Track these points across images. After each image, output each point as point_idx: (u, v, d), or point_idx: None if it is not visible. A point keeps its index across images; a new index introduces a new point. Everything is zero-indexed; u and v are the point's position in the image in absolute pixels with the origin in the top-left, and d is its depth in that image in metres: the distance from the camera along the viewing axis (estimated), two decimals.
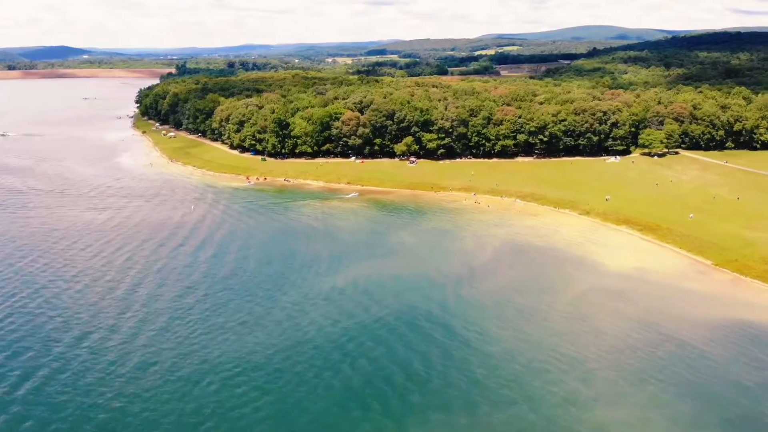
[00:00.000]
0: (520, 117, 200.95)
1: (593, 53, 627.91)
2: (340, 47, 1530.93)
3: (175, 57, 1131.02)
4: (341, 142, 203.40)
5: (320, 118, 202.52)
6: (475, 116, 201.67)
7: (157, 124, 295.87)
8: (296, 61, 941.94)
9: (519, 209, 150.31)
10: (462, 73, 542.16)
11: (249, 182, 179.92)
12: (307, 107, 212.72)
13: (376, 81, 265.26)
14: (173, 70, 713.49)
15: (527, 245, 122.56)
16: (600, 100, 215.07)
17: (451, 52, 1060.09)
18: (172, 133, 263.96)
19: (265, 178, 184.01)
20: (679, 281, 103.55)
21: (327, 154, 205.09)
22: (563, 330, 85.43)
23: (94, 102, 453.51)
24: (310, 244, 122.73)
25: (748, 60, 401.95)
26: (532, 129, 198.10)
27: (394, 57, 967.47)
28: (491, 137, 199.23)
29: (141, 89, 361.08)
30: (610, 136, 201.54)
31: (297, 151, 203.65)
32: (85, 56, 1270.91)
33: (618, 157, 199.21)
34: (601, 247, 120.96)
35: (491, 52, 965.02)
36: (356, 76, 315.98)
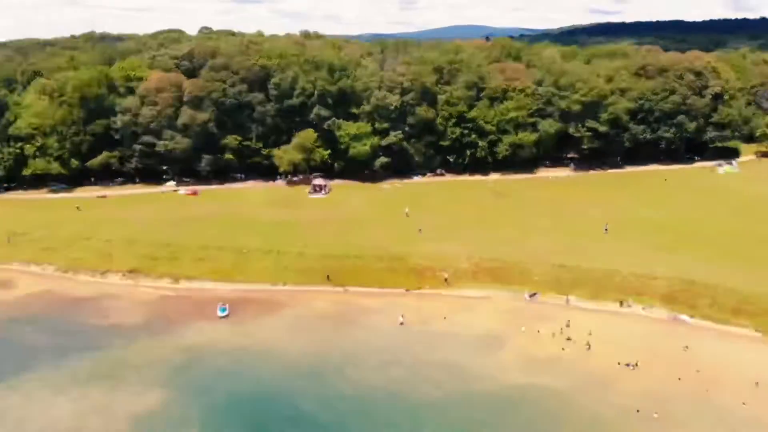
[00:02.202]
0: (540, 83, 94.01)
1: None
2: None
3: None
4: (139, 147, 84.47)
5: (85, 84, 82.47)
6: (450, 84, 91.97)
7: None
8: None
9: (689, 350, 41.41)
10: None
11: None
12: (60, 70, 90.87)
13: (232, 35, 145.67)
14: None
15: None
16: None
17: None
18: None
19: None
20: None
21: (103, 175, 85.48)
22: None
23: None
24: None
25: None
26: (575, 107, 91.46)
27: None
28: (487, 128, 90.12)
29: None
30: (711, 120, 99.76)
31: (28, 173, 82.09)
32: None
33: (733, 162, 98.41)
34: None
35: None
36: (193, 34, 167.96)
